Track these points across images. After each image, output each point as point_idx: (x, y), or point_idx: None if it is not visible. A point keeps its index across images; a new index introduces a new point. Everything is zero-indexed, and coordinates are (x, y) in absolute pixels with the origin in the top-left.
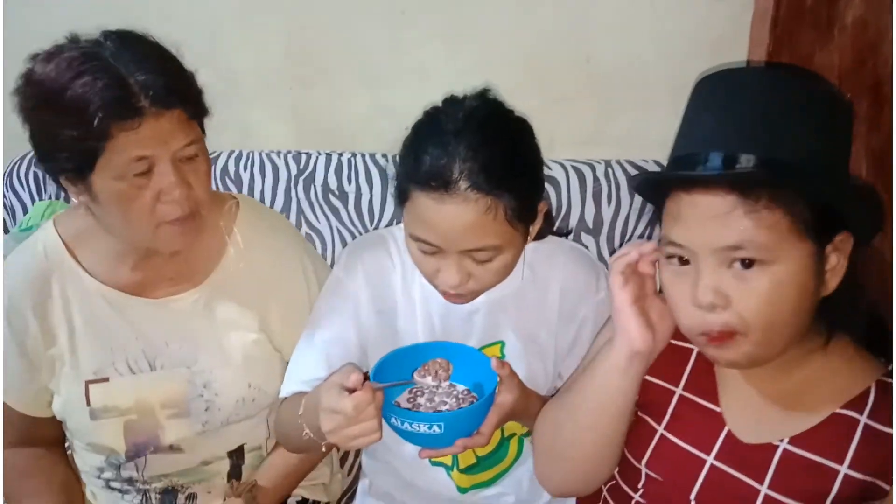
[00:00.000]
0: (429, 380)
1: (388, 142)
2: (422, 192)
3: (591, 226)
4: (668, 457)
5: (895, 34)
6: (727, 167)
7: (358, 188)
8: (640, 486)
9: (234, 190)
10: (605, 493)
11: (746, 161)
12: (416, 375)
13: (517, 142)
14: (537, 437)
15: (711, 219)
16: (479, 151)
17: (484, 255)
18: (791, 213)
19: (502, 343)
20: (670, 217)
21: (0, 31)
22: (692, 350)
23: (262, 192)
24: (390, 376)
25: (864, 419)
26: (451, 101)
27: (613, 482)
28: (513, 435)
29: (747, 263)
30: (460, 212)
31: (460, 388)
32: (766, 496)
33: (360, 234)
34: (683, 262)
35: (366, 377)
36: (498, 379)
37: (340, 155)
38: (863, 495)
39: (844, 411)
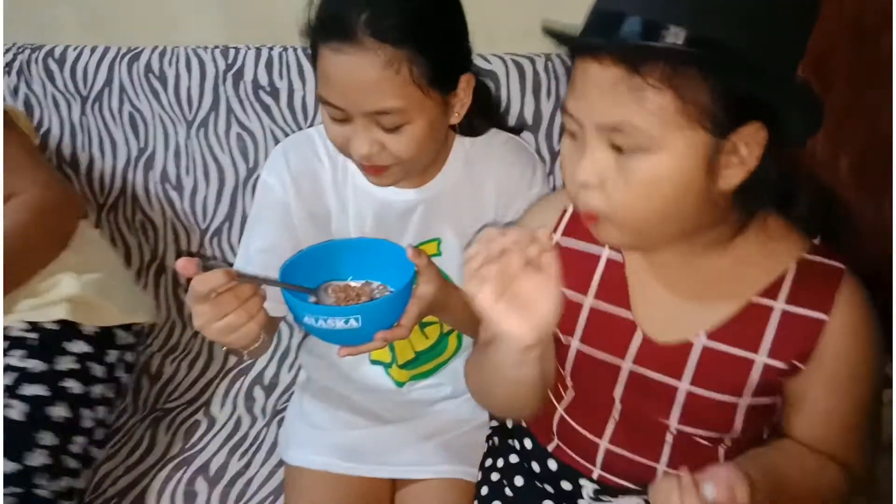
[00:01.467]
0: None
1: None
2: (324, 45)
3: (530, 121)
4: (587, 368)
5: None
6: (648, 37)
7: (290, 84)
8: (568, 385)
9: (158, 88)
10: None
11: (675, 35)
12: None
13: None
14: (465, 377)
15: (596, 91)
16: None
17: (389, 119)
18: (683, 98)
19: (438, 240)
20: (569, 83)
21: (0, 31)
22: (600, 256)
23: (188, 89)
24: (300, 276)
25: (780, 305)
26: None
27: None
28: (451, 331)
29: (628, 147)
30: (358, 64)
31: (375, 284)
32: (688, 392)
33: (294, 132)
34: (573, 136)
35: None
36: (416, 269)
37: (271, 49)
38: (783, 376)
39: (759, 299)
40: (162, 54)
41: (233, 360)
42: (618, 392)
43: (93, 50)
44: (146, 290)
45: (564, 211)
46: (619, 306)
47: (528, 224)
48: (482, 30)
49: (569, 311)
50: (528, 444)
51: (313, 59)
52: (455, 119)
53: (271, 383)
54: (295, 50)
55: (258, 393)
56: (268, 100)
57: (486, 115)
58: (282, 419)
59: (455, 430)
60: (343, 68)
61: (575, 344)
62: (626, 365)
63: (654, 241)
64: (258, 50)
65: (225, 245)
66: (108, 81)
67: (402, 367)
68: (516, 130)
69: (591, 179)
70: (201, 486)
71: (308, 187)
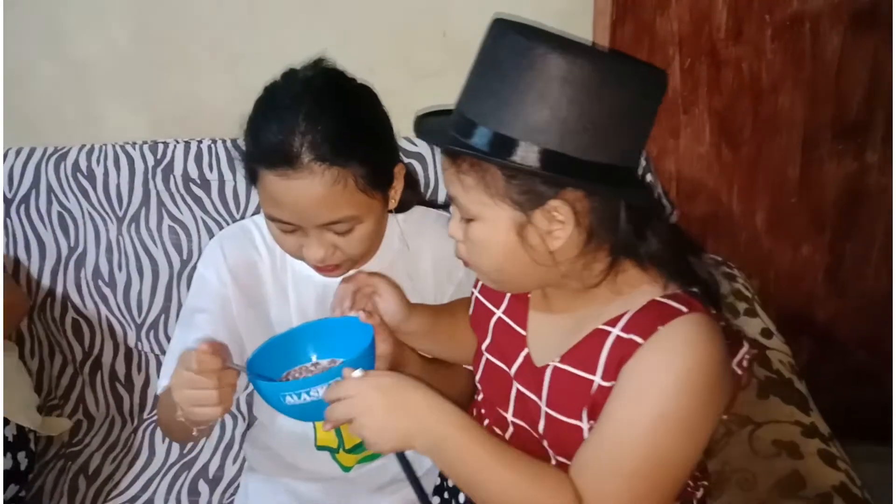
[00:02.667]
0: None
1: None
2: (268, 171)
3: None
4: (489, 376)
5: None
6: (466, 135)
7: (221, 175)
8: (479, 397)
9: (87, 186)
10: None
11: (482, 135)
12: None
13: (359, 108)
14: None
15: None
16: (318, 121)
17: (342, 226)
18: (486, 182)
19: None
20: None
21: (0, 30)
22: None
23: (117, 186)
24: (265, 368)
25: (616, 331)
26: (287, 74)
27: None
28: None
29: (464, 216)
30: (308, 186)
31: (339, 360)
32: (546, 413)
33: (227, 223)
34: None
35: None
36: (373, 330)
37: (200, 142)
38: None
39: (603, 327)
40: (90, 152)
41: (175, 454)
42: (510, 410)
43: (17, 152)
44: (83, 388)
45: None
46: (518, 323)
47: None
48: (409, 114)
49: (483, 317)
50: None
51: (252, 181)
52: (392, 205)
53: (216, 476)
54: (224, 142)
55: (203, 487)
56: (199, 192)
57: (413, 189)
58: None
59: None
60: (293, 192)
61: (484, 352)
62: (512, 377)
63: (514, 287)
64: (187, 143)
65: (162, 338)
66: (36, 183)
67: (350, 451)
68: (444, 207)
69: (455, 235)
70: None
71: (246, 278)
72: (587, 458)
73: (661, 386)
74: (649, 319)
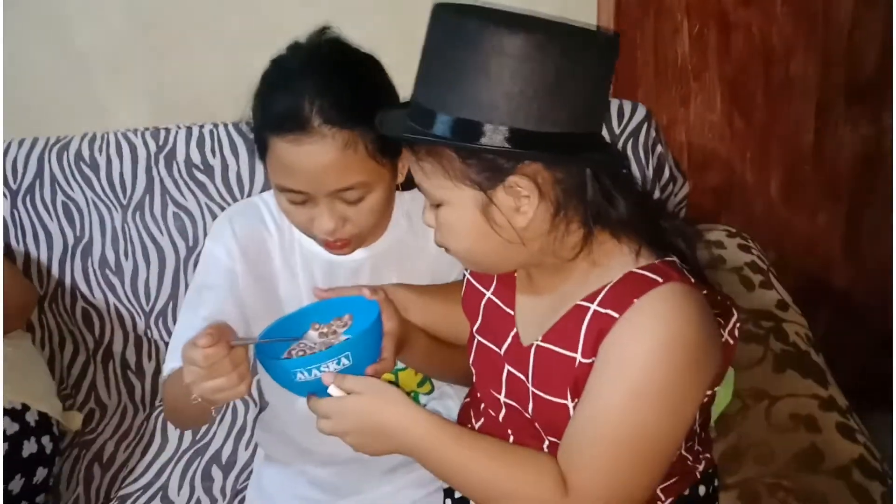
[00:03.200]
0: (314, 335)
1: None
2: (278, 138)
3: None
4: (482, 357)
5: None
6: (425, 125)
7: (223, 160)
8: (474, 380)
9: (90, 175)
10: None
11: (441, 123)
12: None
13: (366, 74)
14: None
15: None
16: (328, 86)
17: (353, 194)
18: (443, 166)
19: None
20: None
21: (0, 30)
22: None
23: (120, 174)
24: (271, 349)
25: (594, 306)
26: (293, 46)
27: (468, 398)
28: (407, 393)
29: (433, 202)
30: (320, 150)
31: (346, 316)
32: (533, 393)
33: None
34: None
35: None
36: (379, 307)
37: (202, 127)
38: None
39: (582, 302)
40: (92, 141)
41: (188, 440)
42: (503, 391)
43: (20, 143)
44: (95, 377)
45: None
46: (506, 304)
47: None
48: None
49: (474, 300)
50: None
51: (262, 153)
52: (400, 178)
53: (229, 462)
54: (226, 126)
55: (216, 473)
56: (202, 177)
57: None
58: (242, 499)
59: (414, 496)
60: (305, 157)
61: (475, 334)
62: (503, 358)
63: (492, 268)
64: (189, 129)
65: (171, 325)
66: (39, 173)
67: None
68: None
69: (429, 222)
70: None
71: (255, 254)
72: (569, 438)
73: (638, 360)
74: (625, 292)
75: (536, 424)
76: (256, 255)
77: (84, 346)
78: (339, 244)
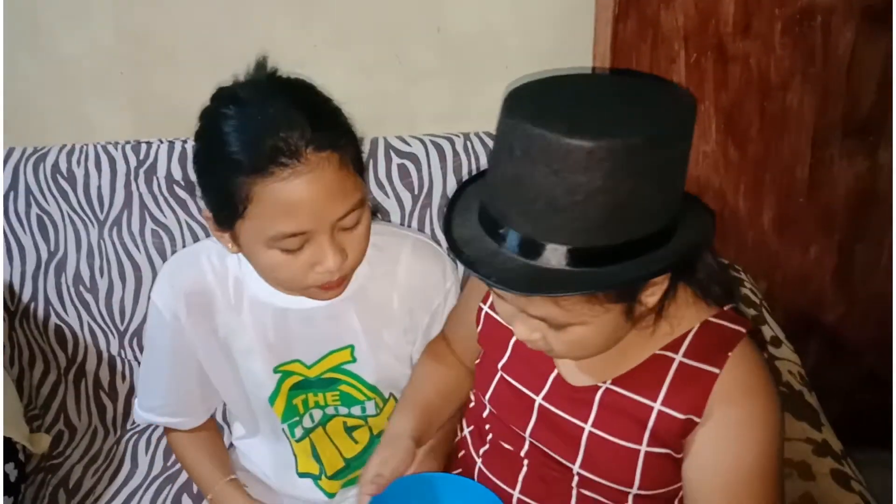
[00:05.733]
0: None
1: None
2: (268, 181)
3: None
4: (505, 396)
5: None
6: (526, 253)
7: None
8: (484, 415)
9: (67, 189)
10: (466, 434)
11: (553, 253)
12: None
13: (320, 95)
14: None
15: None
16: (302, 112)
17: (352, 217)
18: (588, 300)
19: (352, 347)
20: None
21: (0, 31)
22: None
23: (98, 188)
24: None
25: (679, 357)
26: (239, 86)
27: (471, 427)
28: (381, 432)
29: (556, 326)
30: (320, 177)
31: None
32: (591, 433)
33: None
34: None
35: None
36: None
37: (184, 142)
38: (682, 431)
39: (662, 352)
40: (70, 153)
41: (158, 467)
42: (529, 428)
43: None
44: (65, 397)
45: None
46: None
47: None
48: (404, 114)
49: (499, 335)
50: None
51: (238, 209)
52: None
53: (199, 491)
54: None
55: (186, 501)
56: (182, 194)
57: None
58: None
59: None
60: (305, 190)
61: (499, 371)
62: (538, 400)
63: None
64: (170, 143)
65: None
66: (14, 184)
67: (332, 477)
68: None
69: (531, 338)
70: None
71: (200, 309)
72: (709, 493)
73: (757, 417)
74: (713, 345)
75: (566, 459)
76: (203, 310)
77: (55, 365)
78: (337, 283)
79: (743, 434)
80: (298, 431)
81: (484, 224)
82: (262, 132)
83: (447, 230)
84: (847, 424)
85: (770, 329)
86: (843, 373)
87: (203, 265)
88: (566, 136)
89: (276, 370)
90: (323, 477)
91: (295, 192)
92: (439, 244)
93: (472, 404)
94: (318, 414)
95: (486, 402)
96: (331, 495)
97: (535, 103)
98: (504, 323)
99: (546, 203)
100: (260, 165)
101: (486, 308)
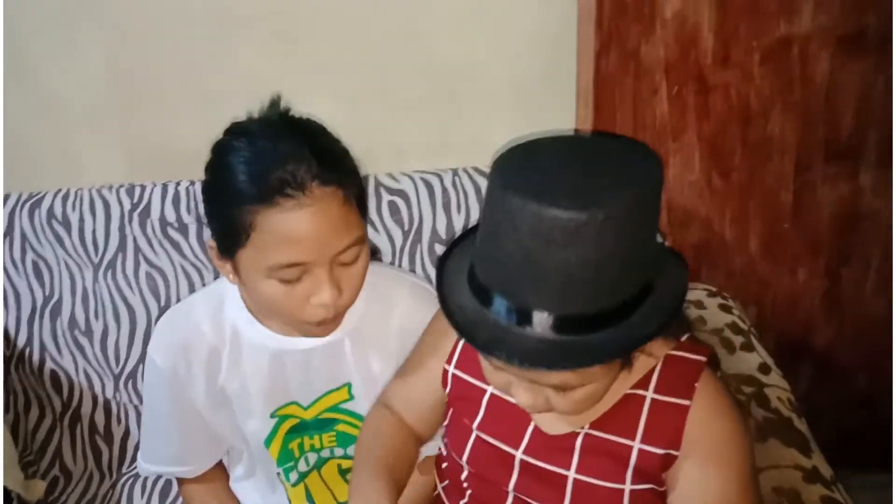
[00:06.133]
0: None
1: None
2: (272, 210)
3: (443, 236)
4: (484, 455)
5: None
6: (520, 321)
7: (199, 218)
8: (463, 478)
9: (62, 233)
10: (440, 488)
11: (570, 323)
12: None
13: (328, 133)
14: None
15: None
16: (310, 148)
17: (351, 253)
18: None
19: (349, 385)
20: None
21: (0, 31)
22: None
23: (93, 232)
24: None
25: (649, 394)
26: (251, 121)
27: (445, 482)
28: None
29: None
30: (323, 210)
31: None
32: (575, 480)
33: (206, 267)
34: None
35: None
36: None
37: (177, 185)
38: (663, 466)
39: (633, 390)
40: (65, 198)
41: None
42: (511, 483)
43: None
44: (61, 442)
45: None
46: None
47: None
48: (391, 147)
49: (472, 398)
50: None
51: (240, 237)
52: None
53: None
54: (202, 183)
55: None
56: (176, 236)
57: None
58: None
59: None
60: (308, 221)
61: (475, 430)
62: (519, 455)
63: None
64: (164, 186)
65: (140, 388)
66: (10, 230)
67: None
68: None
69: (535, 404)
70: None
71: (197, 360)
72: None
73: (730, 444)
74: (679, 377)
75: None
76: (199, 362)
77: (51, 410)
78: (332, 318)
79: (722, 458)
80: (293, 476)
81: (484, 299)
82: (270, 164)
83: (446, 311)
84: (841, 447)
85: (759, 356)
86: (835, 395)
87: (199, 317)
88: (575, 210)
89: (272, 414)
90: None
91: (298, 223)
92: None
93: (444, 465)
94: (313, 457)
95: (464, 464)
96: None
97: (528, 177)
98: (496, 390)
99: (562, 277)
100: (265, 195)
101: (452, 369)
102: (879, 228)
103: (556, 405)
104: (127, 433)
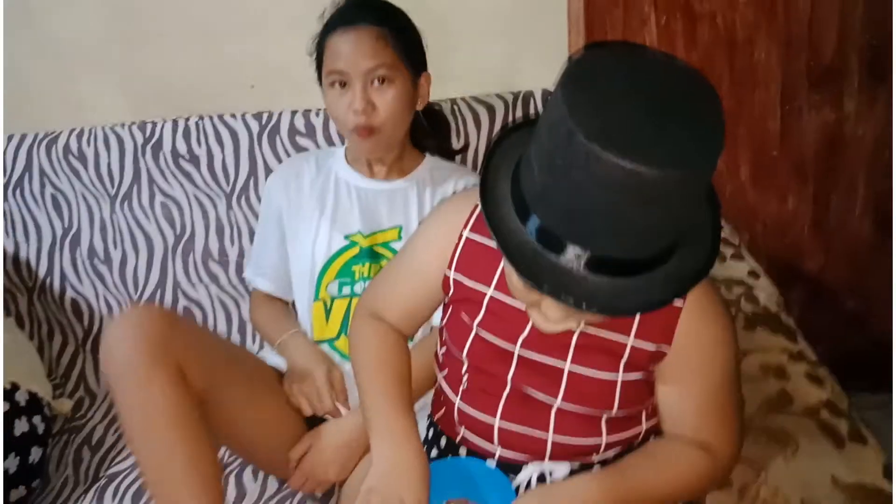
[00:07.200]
0: None
1: (231, 98)
2: (334, 34)
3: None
4: (483, 350)
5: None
6: (596, 270)
7: (209, 150)
8: (464, 371)
9: (78, 167)
10: (441, 379)
11: (607, 267)
12: None
13: (399, 10)
14: None
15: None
16: (374, 7)
17: (380, 72)
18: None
19: (400, 227)
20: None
21: (0, 33)
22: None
23: (108, 165)
24: None
25: None
26: None
27: (445, 371)
28: None
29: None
30: (361, 37)
31: None
32: (570, 371)
33: (218, 196)
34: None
35: None
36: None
37: (187, 119)
38: (653, 360)
39: None
40: (80, 135)
41: None
42: (510, 374)
43: (9, 138)
44: (84, 366)
45: (475, 207)
46: (514, 298)
47: (440, 220)
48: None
49: (473, 300)
50: (443, 442)
51: (319, 56)
52: (419, 105)
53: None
54: (210, 118)
55: None
56: (188, 167)
57: (439, 135)
58: (229, 474)
59: None
60: (348, 42)
61: (475, 328)
62: (517, 350)
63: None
64: (174, 121)
65: None
66: (28, 167)
67: None
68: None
69: (564, 324)
70: None
71: (295, 183)
72: (692, 415)
73: (721, 341)
74: None
75: (544, 395)
76: (297, 184)
77: (73, 336)
78: (366, 130)
79: (708, 358)
80: (346, 290)
81: (552, 244)
82: (344, 10)
83: (507, 253)
84: (834, 369)
85: (748, 264)
86: (826, 318)
87: (309, 157)
88: (669, 169)
89: (346, 237)
90: (342, 337)
91: (341, 43)
92: None
93: (443, 356)
94: (360, 287)
95: (464, 358)
96: (347, 357)
97: (608, 122)
98: (514, 300)
99: (639, 228)
100: (330, 26)
101: (453, 274)
102: (864, 153)
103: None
104: None
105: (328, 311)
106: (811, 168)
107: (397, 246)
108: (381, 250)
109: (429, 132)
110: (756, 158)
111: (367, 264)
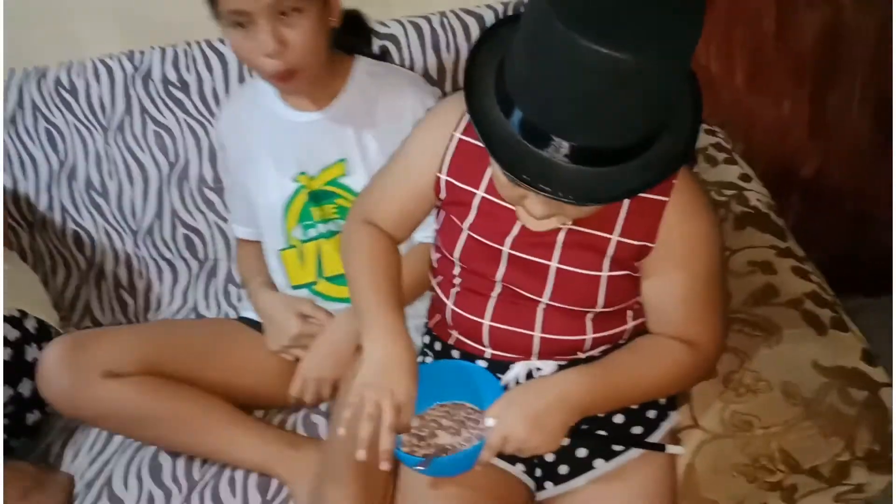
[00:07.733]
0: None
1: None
2: None
3: (434, 75)
4: (474, 251)
5: None
6: (581, 161)
7: (199, 76)
8: (455, 273)
9: (69, 99)
10: (435, 286)
11: (590, 156)
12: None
13: None
14: None
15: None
16: None
17: (288, 2)
18: None
19: (344, 160)
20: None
21: (0, 33)
22: None
23: (100, 97)
24: None
25: None
26: None
27: (439, 278)
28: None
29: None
30: None
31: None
32: (557, 269)
33: (210, 122)
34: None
35: None
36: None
37: (175, 47)
38: (638, 255)
39: None
40: (69, 68)
41: None
42: (499, 274)
43: None
44: (89, 297)
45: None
46: (503, 199)
47: (432, 122)
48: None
49: (464, 202)
50: (437, 346)
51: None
52: (334, 20)
53: None
54: (199, 44)
55: None
56: (179, 94)
57: (359, 36)
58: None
59: None
60: None
61: (465, 230)
62: (506, 249)
63: None
64: (163, 50)
65: (159, 243)
66: (20, 102)
67: (331, 280)
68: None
69: (547, 216)
70: (164, 457)
71: (238, 131)
72: (676, 309)
73: (704, 235)
74: None
75: (530, 292)
76: (240, 132)
77: (76, 268)
78: (285, 74)
79: (693, 251)
80: (312, 232)
81: (535, 138)
82: None
83: (489, 146)
84: (832, 273)
85: (740, 168)
86: (824, 222)
87: (246, 98)
88: (634, 53)
89: (294, 179)
90: (320, 281)
91: None
92: None
93: (436, 263)
94: (323, 228)
95: (456, 260)
96: (330, 298)
97: (588, 9)
98: (500, 199)
99: (620, 115)
100: None
101: (444, 177)
102: (863, 46)
103: (567, 213)
104: (149, 286)
105: (302, 256)
106: (808, 68)
107: (346, 181)
108: (331, 188)
109: (348, 32)
110: (752, 61)
111: (322, 206)
